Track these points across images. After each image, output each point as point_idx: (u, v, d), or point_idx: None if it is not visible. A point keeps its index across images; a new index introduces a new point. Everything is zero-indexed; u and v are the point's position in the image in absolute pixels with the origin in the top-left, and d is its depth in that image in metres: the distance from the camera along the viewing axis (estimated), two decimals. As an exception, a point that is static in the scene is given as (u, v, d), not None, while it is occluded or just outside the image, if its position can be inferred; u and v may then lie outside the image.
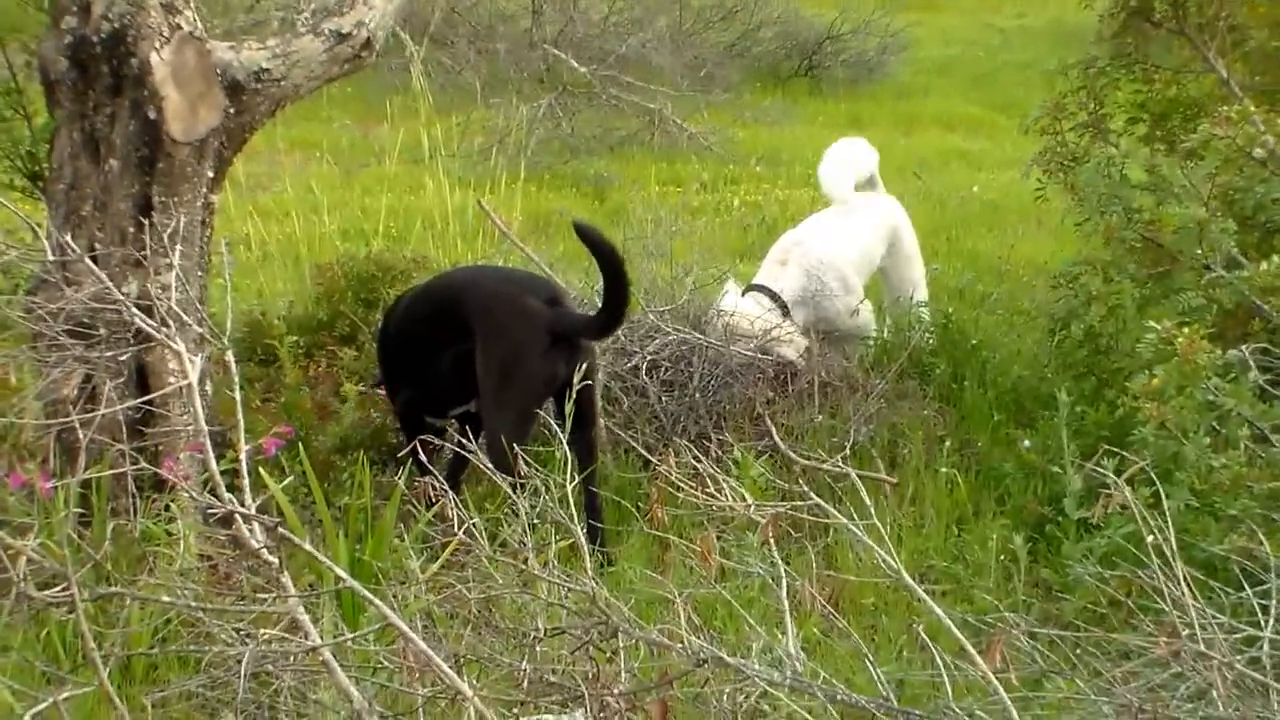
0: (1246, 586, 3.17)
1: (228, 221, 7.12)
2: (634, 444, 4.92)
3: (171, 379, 4.16)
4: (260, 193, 8.79)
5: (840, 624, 3.25)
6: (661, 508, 3.71)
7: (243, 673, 2.84)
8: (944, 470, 4.74)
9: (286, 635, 2.97)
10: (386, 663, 3.10)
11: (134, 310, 3.68)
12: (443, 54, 11.68)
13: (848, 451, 4.72)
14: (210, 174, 4.36)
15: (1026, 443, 4.77)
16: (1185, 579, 2.94)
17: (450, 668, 2.68)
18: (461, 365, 4.45)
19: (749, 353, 5.30)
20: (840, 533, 4.18)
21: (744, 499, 3.19)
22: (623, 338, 5.22)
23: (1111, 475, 3.32)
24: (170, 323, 3.71)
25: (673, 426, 5.05)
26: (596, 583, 2.98)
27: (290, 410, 5.12)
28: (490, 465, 3.63)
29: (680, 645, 2.83)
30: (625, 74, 11.66)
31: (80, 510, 3.92)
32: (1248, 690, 2.83)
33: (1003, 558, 4.19)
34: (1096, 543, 3.91)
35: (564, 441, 3.58)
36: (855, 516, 3.17)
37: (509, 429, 4.22)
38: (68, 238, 4.02)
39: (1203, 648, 2.80)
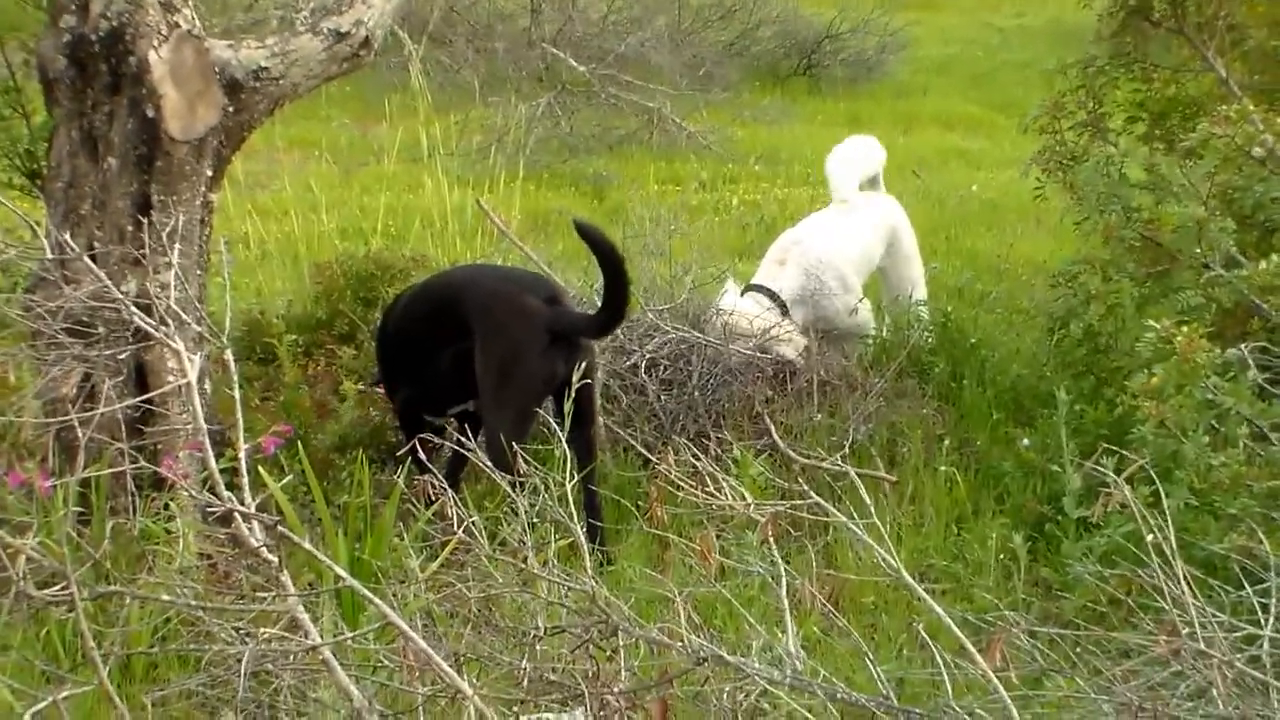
0: (1246, 585, 3.17)
1: (226, 220, 7.12)
2: (633, 442, 4.92)
3: (170, 377, 4.16)
4: (259, 191, 8.78)
5: (840, 622, 3.26)
6: (661, 506, 3.71)
7: (243, 671, 2.84)
8: (943, 469, 4.74)
9: (286, 634, 2.97)
10: (386, 661, 3.10)
11: (133, 309, 3.68)
12: (441, 53, 11.67)
13: (847, 450, 4.73)
14: (209, 172, 4.36)
15: (1026, 441, 4.77)
16: (1185, 577, 2.94)
17: (450, 666, 2.68)
18: (460, 364, 4.45)
19: (748, 351, 5.30)
20: (840, 531, 4.18)
21: (743, 498, 3.19)
22: (622, 336, 5.22)
23: (1111, 474, 3.32)
24: (169, 321, 3.71)
25: (672, 425, 5.05)
26: (596, 581, 2.98)
27: (289, 409, 5.11)
28: (490, 464, 3.63)
29: (680, 644, 2.83)
30: (624, 73, 11.65)
31: (79, 509, 3.92)
32: (1248, 689, 2.83)
33: (1002, 556, 4.19)
34: (1096, 541, 3.91)
35: (563, 440, 3.58)
36: (855, 515, 3.16)
37: (508, 427, 4.22)
38: (66, 236, 4.02)
39: (1203, 646, 2.80)
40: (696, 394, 5.13)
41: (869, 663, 2.93)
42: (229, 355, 3.63)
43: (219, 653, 3.09)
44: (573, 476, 3.34)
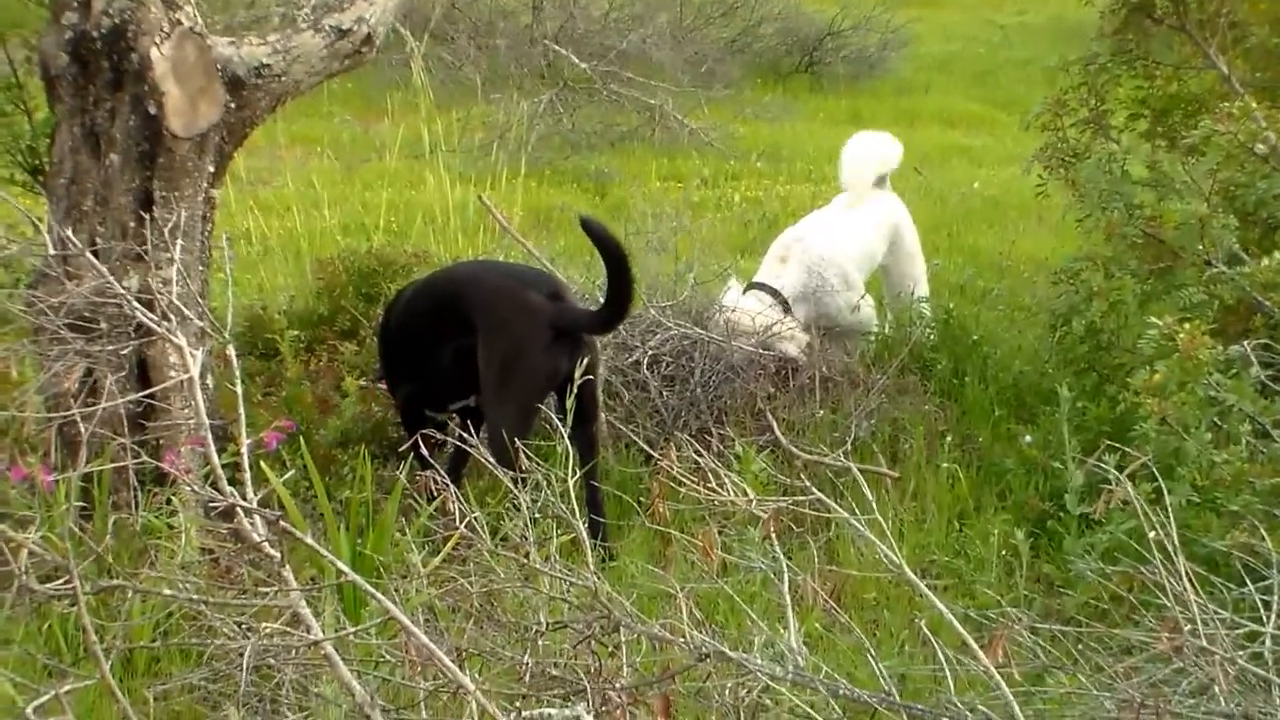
0: (1248, 582, 3.17)
1: (228, 216, 7.12)
2: (635, 439, 4.92)
3: (173, 373, 4.17)
4: (261, 187, 8.78)
5: (842, 619, 3.26)
6: (663, 502, 3.71)
7: (244, 666, 2.84)
8: (945, 465, 4.74)
9: (288, 629, 2.96)
10: (388, 656, 3.10)
11: (135, 304, 3.68)
12: (443, 50, 11.66)
13: (849, 446, 4.74)
14: (211, 169, 4.36)
15: (1028, 438, 4.77)
16: (1187, 574, 2.94)
17: (452, 661, 2.68)
18: (462, 360, 4.45)
19: (750, 348, 5.30)
20: (842, 528, 4.18)
21: (745, 494, 3.18)
22: (624, 333, 5.22)
23: (1113, 471, 3.32)
24: (171, 317, 3.71)
25: (674, 421, 5.04)
26: (598, 577, 2.98)
27: (291, 404, 5.11)
28: (492, 459, 3.63)
29: (682, 640, 2.84)
30: (626, 70, 11.64)
31: (81, 504, 3.92)
32: (1250, 686, 2.83)
33: (1004, 553, 4.19)
34: (1098, 538, 3.91)
35: (565, 436, 3.58)
36: (857, 511, 3.17)
37: (511, 423, 4.22)
38: (69, 232, 4.02)
39: (1205, 643, 2.80)
40: (699, 390, 5.13)
41: (871, 659, 2.93)
42: (231, 351, 3.63)
43: (221, 647, 3.10)
44: (575, 472, 3.34)
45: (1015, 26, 16.93)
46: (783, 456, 4.64)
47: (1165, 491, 3.38)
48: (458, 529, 3.27)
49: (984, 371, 5.42)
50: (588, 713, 2.67)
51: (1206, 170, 4.82)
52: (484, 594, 3.14)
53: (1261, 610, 3.03)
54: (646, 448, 4.76)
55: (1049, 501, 4.43)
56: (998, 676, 2.74)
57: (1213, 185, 4.81)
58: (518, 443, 3.68)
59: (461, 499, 3.37)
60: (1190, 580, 2.93)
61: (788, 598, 3.05)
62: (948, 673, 2.86)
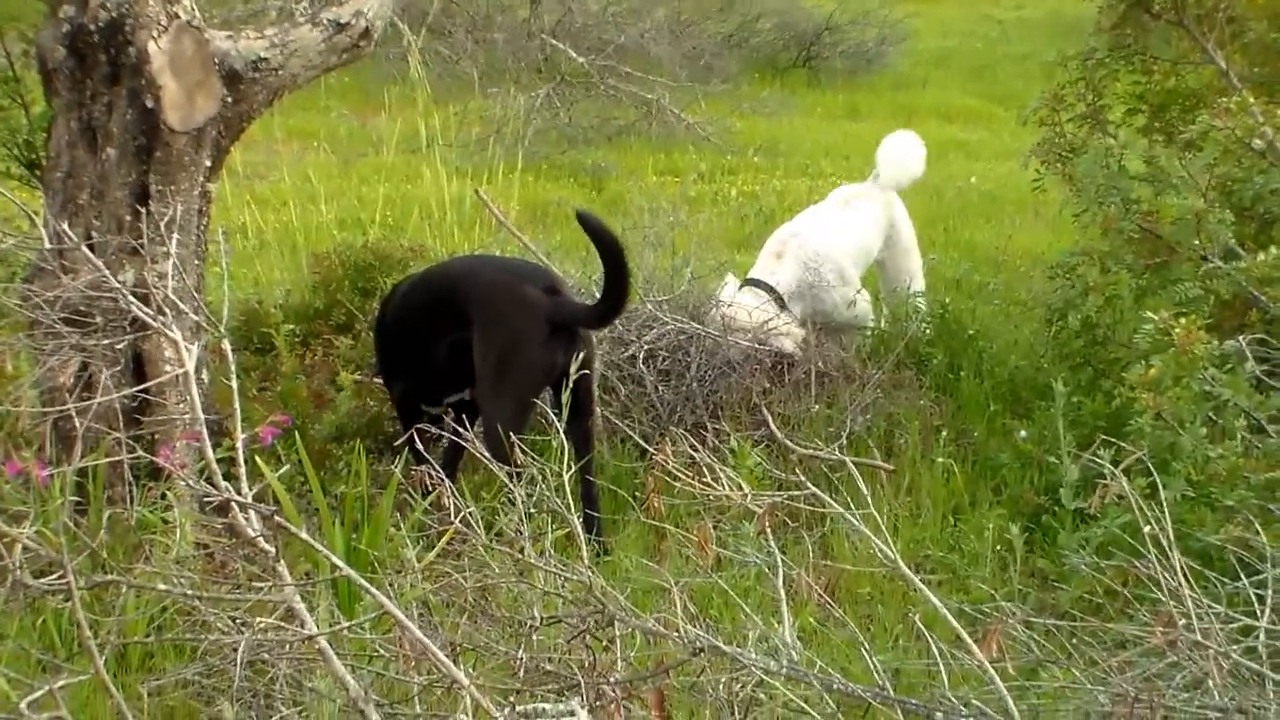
0: (1243, 576, 3.17)
1: (225, 210, 7.12)
2: (631, 433, 4.92)
3: (168, 367, 4.16)
4: (258, 182, 8.78)
5: (836, 613, 3.26)
6: (658, 497, 3.70)
7: (239, 661, 2.84)
8: (940, 460, 4.74)
9: (283, 624, 2.96)
10: (382, 651, 3.11)
11: (130, 298, 3.67)
12: (440, 44, 11.66)
13: (844, 441, 4.75)
14: (207, 163, 4.35)
15: (1023, 433, 4.78)
16: (1181, 569, 2.94)
17: (446, 656, 2.68)
18: (458, 354, 4.45)
19: (747, 343, 5.30)
20: (837, 522, 4.18)
21: (741, 488, 3.18)
22: (620, 327, 5.22)
23: (1108, 465, 3.32)
24: (167, 311, 3.70)
25: (670, 416, 5.05)
26: (593, 572, 2.98)
27: (287, 399, 5.12)
28: (487, 454, 3.63)
29: (676, 634, 2.84)
30: (623, 64, 11.65)
31: (76, 498, 3.91)
32: (1244, 680, 2.84)
33: (999, 547, 4.20)
34: (1093, 532, 3.91)
35: (561, 430, 3.58)
36: (852, 506, 3.17)
37: (507, 418, 4.21)
38: (65, 226, 4.02)
39: (1199, 637, 2.80)
40: (694, 385, 5.13)
41: (865, 653, 2.93)
42: (226, 345, 3.62)
43: (215, 642, 3.09)
44: (570, 467, 3.34)
45: (1013, 21, 16.94)
46: (778, 451, 4.64)
47: (1160, 486, 3.39)
48: (452, 524, 3.26)
49: (979, 366, 5.43)
50: (582, 707, 2.67)
51: (1203, 165, 4.82)
52: (478, 589, 3.14)
53: (1256, 605, 3.03)
54: (642, 442, 4.77)
55: (1044, 496, 4.43)
56: (992, 671, 2.75)
57: (1209, 180, 4.81)
58: (513, 437, 3.68)
59: (456, 494, 3.37)
60: (1185, 575, 2.94)
61: (782, 592, 3.05)
62: (942, 667, 2.86)
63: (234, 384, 3.35)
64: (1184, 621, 2.85)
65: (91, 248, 4.00)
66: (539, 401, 4.38)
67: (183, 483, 3.79)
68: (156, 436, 4.17)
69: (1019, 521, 4.23)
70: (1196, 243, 4.67)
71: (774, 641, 2.88)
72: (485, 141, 9.45)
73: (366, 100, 10.84)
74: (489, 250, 6.73)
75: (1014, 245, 7.71)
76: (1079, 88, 6.05)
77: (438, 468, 3.50)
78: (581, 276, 5.62)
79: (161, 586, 3.20)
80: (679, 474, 3.23)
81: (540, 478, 3.33)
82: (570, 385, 4.07)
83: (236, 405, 3.30)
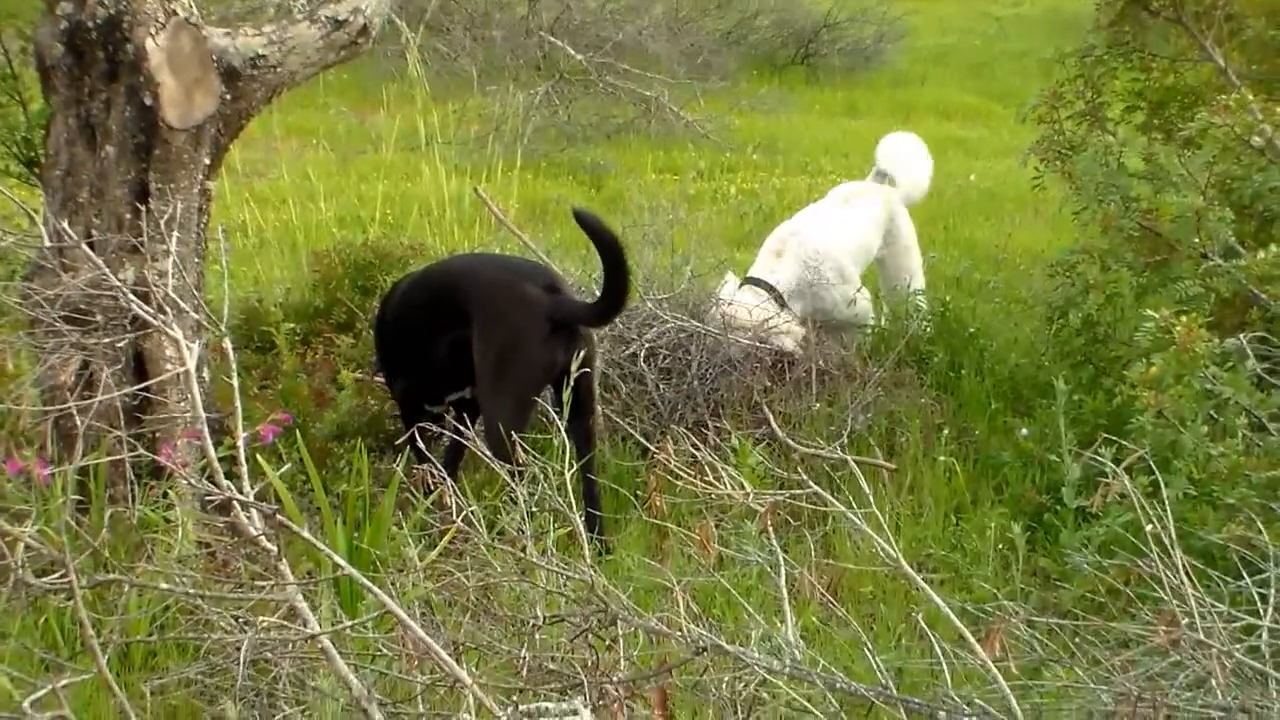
0: (1245, 575, 3.17)
1: (224, 208, 7.12)
2: (632, 432, 4.92)
3: (169, 366, 4.16)
4: (257, 180, 8.77)
5: (839, 612, 3.26)
6: (660, 496, 3.70)
7: (241, 660, 2.84)
8: (942, 458, 4.74)
9: (285, 623, 2.96)
10: (385, 650, 3.10)
11: (131, 297, 3.66)
12: (439, 41, 11.66)
13: (845, 439, 4.75)
14: (207, 161, 4.35)
15: (1024, 431, 4.78)
16: (1184, 567, 2.94)
17: (449, 655, 2.68)
18: (458, 352, 4.44)
19: (747, 341, 5.30)
20: (839, 521, 4.18)
21: (742, 487, 3.18)
22: (620, 325, 5.22)
23: (1110, 464, 3.32)
24: (167, 309, 3.70)
25: (671, 414, 5.04)
26: (595, 570, 2.98)
27: (288, 397, 5.11)
28: (488, 453, 3.63)
29: (679, 633, 2.83)
30: (622, 61, 11.65)
31: (78, 497, 3.91)
32: (1246, 679, 2.84)
33: (1001, 546, 4.19)
34: (1095, 531, 3.91)
35: (562, 429, 3.57)
36: (853, 505, 3.17)
37: (507, 416, 4.21)
38: (64, 224, 4.01)
39: (1201, 636, 2.80)
40: (695, 383, 5.13)
41: (868, 652, 2.93)
42: (227, 343, 3.63)
43: (218, 641, 3.09)
44: (571, 465, 3.34)
45: (1011, 19, 16.95)
46: (779, 450, 4.64)
47: (1162, 484, 3.38)
48: (454, 523, 3.26)
49: (980, 364, 5.43)
50: (584, 706, 2.66)
51: (1203, 163, 4.82)
52: (480, 588, 3.13)
53: (1258, 603, 3.03)
54: (643, 441, 4.77)
55: (1045, 495, 4.43)
56: (994, 670, 2.74)
57: (1209, 178, 4.81)
58: (514, 436, 3.67)
59: (458, 492, 3.36)
60: (1187, 573, 2.94)
61: (784, 591, 3.05)
62: (944, 666, 2.86)
63: (235, 382, 3.35)
64: (1187, 620, 2.85)
65: (91, 246, 3.99)
66: (540, 400, 4.38)
67: (184, 481, 3.78)
68: (158, 435, 4.16)
69: (1021, 520, 4.23)
70: (1196, 240, 4.67)
71: (777, 640, 2.87)
72: (484, 139, 9.44)
73: (365, 97, 10.83)
74: (489, 248, 6.73)
75: (1014, 243, 7.72)
76: (1078, 85, 6.04)
77: (439, 466, 3.50)
78: (581, 274, 5.62)
79: (164, 585, 3.20)
80: (680, 473, 3.23)
81: (542, 476, 3.32)
82: (571, 383, 4.06)
83: (238, 403, 3.30)
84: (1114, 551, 3.66)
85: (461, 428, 3.91)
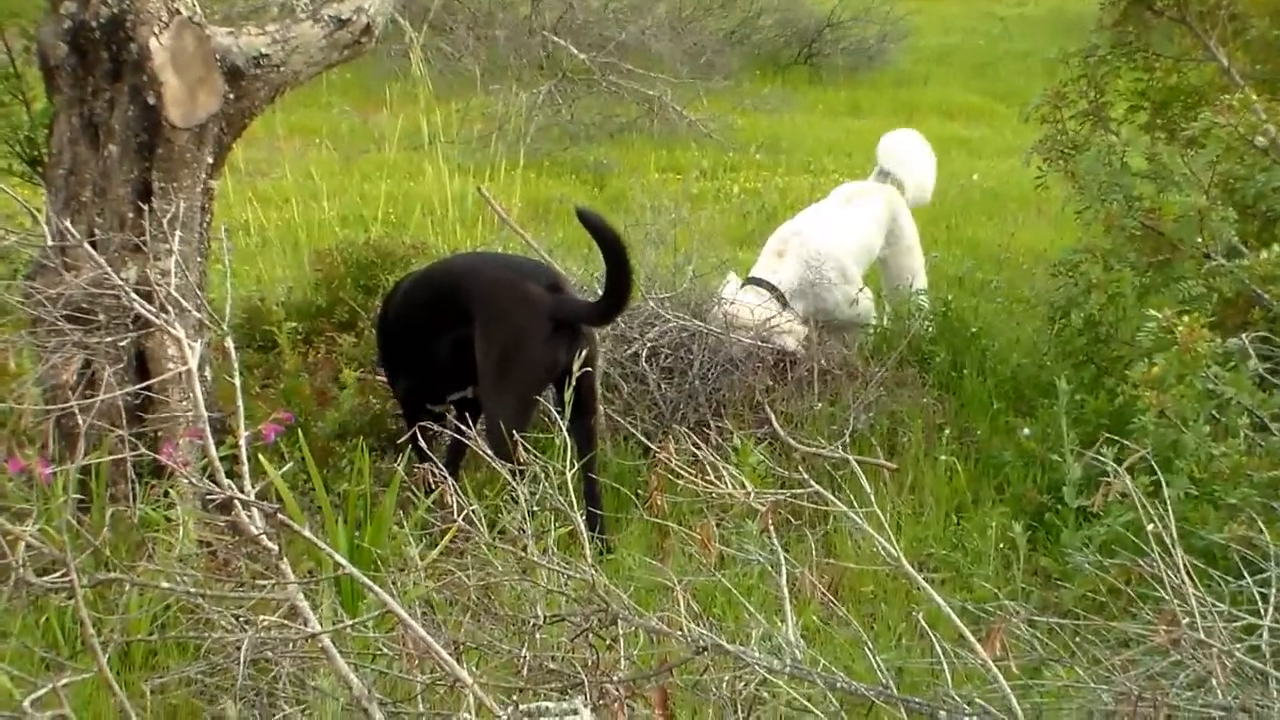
0: (1246, 575, 3.17)
1: (227, 207, 7.12)
2: (633, 431, 4.92)
3: (171, 364, 4.16)
4: (259, 179, 8.78)
5: (840, 611, 3.25)
6: (661, 495, 3.70)
7: (242, 659, 2.84)
8: (943, 458, 4.74)
9: (286, 622, 2.96)
10: (386, 649, 3.10)
11: (133, 296, 3.67)
12: (442, 40, 11.65)
13: (847, 439, 4.74)
14: (209, 160, 4.35)
15: (1026, 431, 4.77)
16: (1185, 567, 2.93)
17: (449, 655, 2.68)
18: (460, 351, 4.44)
19: (749, 340, 5.30)
20: (840, 520, 4.18)
21: (743, 486, 3.18)
22: (622, 324, 5.22)
23: (1111, 463, 3.32)
24: (169, 308, 3.70)
25: (672, 414, 5.04)
26: (596, 570, 2.98)
27: (289, 396, 5.11)
28: (490, 452, 3.63)
29: (680, 632, 2.83)
30: (625, 61, 11.64)
31: (79, 496, 3.92)
32: (1247, 678, 2.83)
33: (1002, 546, 4.19)
34: (1096, 531, 3.91)
35: (564, 428, 3.57)
36: (855, 504, 3.17)
37: (509, 415, 4.21)
38: (67, 223, 4.01)
39: (1202, 636, 2.80)
40: (697, 383, 5.12)
41: (868, 652, 2.93)
42: (229, 342, 3.62)
43: (218, 640, 3.09)
44: (573, 465, 3.34)
45: (1015, 18, 16.95)
46: (781, 449, 4.64)
47: (1163, 484, 3.39)
48: (455, 522, 3.26)
49: (982, 364, 5.43)
50: (585, 706, 2.66)
51: (1206, 163, 4.81)
52: (481, 587, 3.13)
53: (1259, 603, 3.03)
54: (645, 440, 4.77)
55: (1047, 494, 4.43)
56: (995, 669, 2.74)
57: (1212, 178, 4.81)
58: (516, 435, 3.67)
59: (459, 491, 3.36)
60: (1188, 573, 2.93)
61: (785, 590, 3.05)
62: (945, 666, 2.86)
63: (237, 381, 3.35)
64: (1187, 620, 2.84)
65: (94, 245, 4.00)
66: (541, 399, 4.38)
67: (186, 480, 3.78)
68: (159, 434, 4.16)
69: (1022, 520, 4.23)
70: (1199, 240, 4.67)
71: (777, 640, 2.87)
72: (487, 138, 9.44)
73: (368, 97, 10.83)
74: (491, 247, 6.72)
75: (1016, 243, 7.72)
76: (1081, 85, 6.04)
77: (440, 465, 3.50)
78: (584, 274, 5.62)
79: (164, 584, 3.20)
80: (682, 472, 3.23)
81: (543, 476, 3.32)
82: (573, 383, 4.06)
83: (239, 403, 3.30)
84: (1115, 551, 3.66)
85: (463, 427, 3.91)
